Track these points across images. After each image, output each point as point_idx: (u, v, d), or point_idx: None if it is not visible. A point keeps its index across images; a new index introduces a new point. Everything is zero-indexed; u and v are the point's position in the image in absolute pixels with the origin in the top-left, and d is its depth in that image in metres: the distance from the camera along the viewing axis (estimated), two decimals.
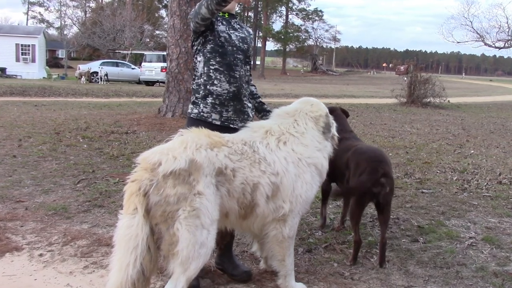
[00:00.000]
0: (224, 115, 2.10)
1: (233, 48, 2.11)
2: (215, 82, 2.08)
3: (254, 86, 2.37)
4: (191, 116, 2.13)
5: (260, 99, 2.37)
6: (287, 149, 1.98)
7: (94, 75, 20.90)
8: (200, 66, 2.11)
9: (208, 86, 2.09)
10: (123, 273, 1.69)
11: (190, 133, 1.88)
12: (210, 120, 2.08)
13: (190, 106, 2.17)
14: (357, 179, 2.40)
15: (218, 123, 2.09)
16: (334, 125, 2.17)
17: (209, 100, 2.09)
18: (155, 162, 1.71)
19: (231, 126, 2.11)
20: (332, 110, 2.30)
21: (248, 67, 2.24)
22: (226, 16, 2.14)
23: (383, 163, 2.45)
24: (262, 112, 2.34)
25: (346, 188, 2.49)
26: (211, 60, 2.08)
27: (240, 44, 2.14)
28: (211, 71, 2.08)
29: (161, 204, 1.69)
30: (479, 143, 6.72)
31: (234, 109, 2.12)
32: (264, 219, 1.97)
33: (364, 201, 2.45)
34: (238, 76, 2.12)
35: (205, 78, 2.08)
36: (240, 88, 2.14)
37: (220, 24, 2.09)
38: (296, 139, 2.01)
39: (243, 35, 2.17)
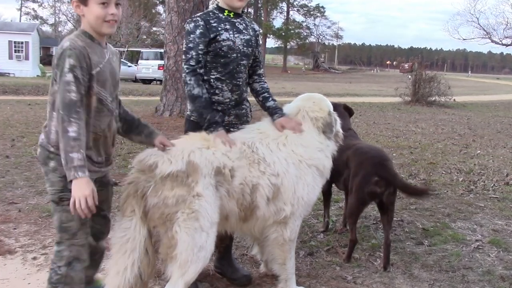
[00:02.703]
0: (225, 120, 2.07)
1: (237, 55, 2.03)
2: (217, 91, 2.03)
3: (263, 82, 2.19)
4: (191, 118, 2.08)
5: (264, 95, 2.13)
6: (287, 150, 1.94)
7: None
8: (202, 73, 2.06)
9: (209, 95, 2.04)
10: (121, 277, 1.67)
11: (190, 134, 1.87)
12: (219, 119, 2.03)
13: (189, 105, 2.11)
14: (360, 179, 2.35)
15: None
16: (337, 122, 2.12)
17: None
18: (151, 164, 1.69)
19: (232, 129, 2.07)
20: (335, 107, 2.24)
21: (258, 64, 2.16)
22: (231, 16, 2.05)
23: (387, 162, 2.41)
24: (268, 110, 2.09)
25: (354, 192, 2.43)
26: (212, 70, 2.02)
27: (244, 48, 2.05)
28: (211, 80, 2.03)
29: (159, 206, 1.67)
30: (486, 143, 6.64)
31: (235, 114, 2.09)
32: (265, 222, 1.94)
33: (366, 200, 2.41)
34: (241, 83, 2.07)
35: (206, 86, 2.03)
36: (242, 93, 2.10)
37: (223, 31, 2.00)
38: (295, 140, 1.96)
39: (247, 37, 2.07)
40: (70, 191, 1.51)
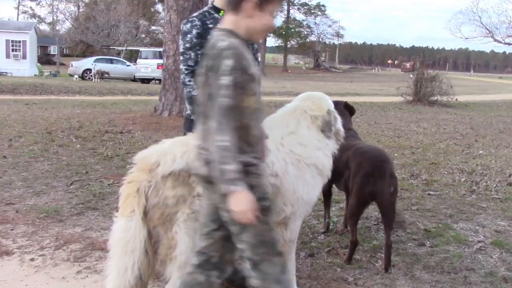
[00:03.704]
0: None
1: None
2: None
3: None
4: (192, 118, 2.06)
5: None
6: (285, 150, 1.92)
7: (88, 72, 20.73)
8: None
9: None
10: (121, 278, 1.66)
11: (190, 135, 1.86)
12: None
13: (189, 107, 2.09)
14: (360, 179, 2.33)
15: None
16: (338, 120, 2.10)
17: None
18: (153, 163, 1.68)
19: None
20: (335, 105, 2.22)
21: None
22: None
23: (387, 162, 2.40)
24: None
25: (354, 192, 2.40)
26: None
27: None
28: None
29: (159, 206, 1.65)
30: (488, 143, 6.59)
31: None
32: None
33: (367, 201, 2.39)
34: None
35: None
36: None
37: None
38: (294, 140, 1.95)
39: None
40: (258, 199, 1.38)
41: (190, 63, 1.93)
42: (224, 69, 1.33)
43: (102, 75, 20.16)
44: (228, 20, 1.46)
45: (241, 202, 1.32)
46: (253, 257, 1.45)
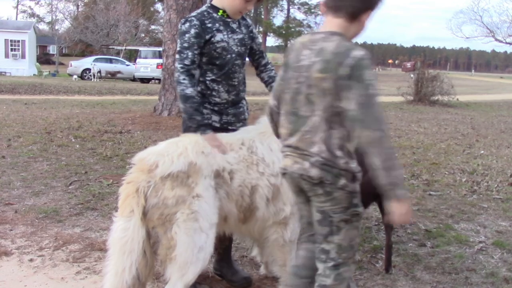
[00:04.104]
0: (224, 119, 2.06)
1: (231, 55, 2.02)
2: (213, 93, 2.03)
3: (270, 70, 2.21)
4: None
5: (272, 85, 2.15)
6: None
7: (87, 71, 20.67)
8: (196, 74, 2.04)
9: (206, 96, 2.04)
10: (119, 278, 1.66)
11: (188, 135, 1.86)
12: (209, 121, 2.03)
13: (181, 107, 2.09)
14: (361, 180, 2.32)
15: (218, 125, 2.04)
16: None
17: (208, 106, 2.05)
18: (152, 164, 1.68)
19: (230, 128, 2.07)
20: None
21: (261, 56, 2.19)
22: (225, 16, 2.03)
23: None
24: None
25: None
26: (208, 72, 2.01)
27: (238, 48, 2.04)
28: (207, 82, 2.02)
29: (158, 207, 1.66)
30: (489, 143, 6.57)
31: (233, 113, 2.09)
32: (264, 223, 1.92)
33: (368, 202, 2.38)
34: (236, 83, 2.06)
35: (202, 87, 2.03)
36: (239, 93, 2.10)
37: (217, 32, 1.98)
38: None
39: (241, 36, 2.06)
40: (355, 205, 1.49)
41: (187, 62, 1.93)
42: (371, 79, 1.39)
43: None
44: (337, 24, 1.47)
45: (404, 206, 1.41)
46: (337, 259, 1.53)
